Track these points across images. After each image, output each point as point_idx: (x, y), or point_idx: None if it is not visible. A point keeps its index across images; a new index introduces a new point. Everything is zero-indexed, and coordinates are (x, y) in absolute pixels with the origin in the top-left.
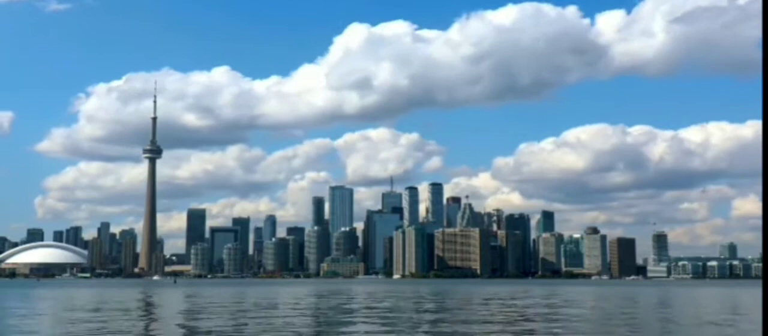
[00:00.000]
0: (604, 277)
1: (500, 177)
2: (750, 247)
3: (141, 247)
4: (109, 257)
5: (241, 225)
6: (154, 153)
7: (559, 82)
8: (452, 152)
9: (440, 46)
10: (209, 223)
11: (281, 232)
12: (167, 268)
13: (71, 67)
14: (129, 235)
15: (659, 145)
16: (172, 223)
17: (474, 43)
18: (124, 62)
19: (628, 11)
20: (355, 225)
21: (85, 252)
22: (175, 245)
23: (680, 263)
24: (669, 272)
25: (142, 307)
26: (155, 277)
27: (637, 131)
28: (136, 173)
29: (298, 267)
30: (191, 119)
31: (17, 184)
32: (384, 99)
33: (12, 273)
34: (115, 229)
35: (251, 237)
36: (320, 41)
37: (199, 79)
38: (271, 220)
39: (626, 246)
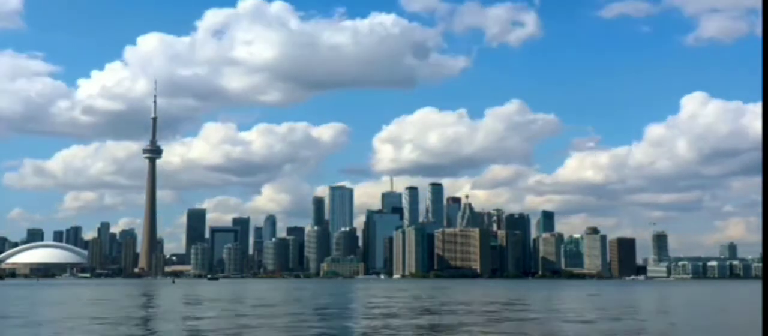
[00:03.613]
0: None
1: None
2: (750, 247)
3: (141, 247)
4: (109, 257)
5: (240, 225)
6: (154, 153)
7: None
8: None
9: None
10: (210, 222)
11: (281, 232)
12: (167, 268)
13: None
14: (129, 235)
15: None
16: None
17: None
18: None
19: None
20: (354, 225)
21: (85, 252)
22: (175, 245)
23: (680, 263)
24: (669, 272)
25: None
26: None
27: None
28: None
29: (298, 267)
30: None
31: None
32: None
33: (12, 273)
34: (115, 229)
35: (251, 237)
36: None
37: None
38: (271, 220)
39: (626, 246)
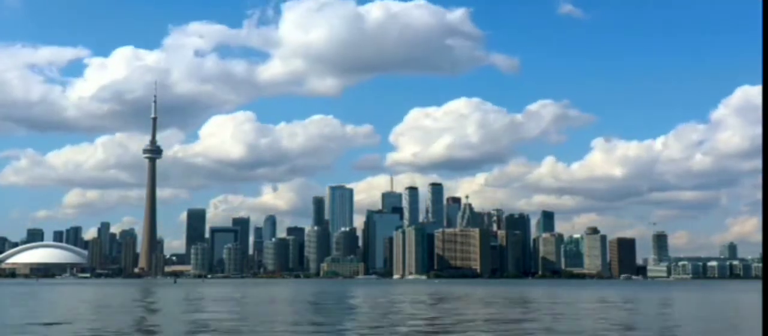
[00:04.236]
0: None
1: None
2: (750, 247)
3: (141, 247)
4: (109, 257)
5: (241, 225)
6: (154, 153)
7: None
8: None
9: None
10: (210, 223)
11: (281, 232)
12: (167, 268)
13: None
14: (129, 235)
15: None
16: None
17: None
18: None
19: None
20: (354, 225)
21: (85, 252)
22: (177, 244)
23: (680, 263)
24: (669, 272)
25: None
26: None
27: None
28: None
29: (298, 267)
30: None
31: None
32: None
33: (12, 273)
34: (115, 229)
35: (251, 237)
36: None
37: None
38: (271, 220)
39: (626, 246)
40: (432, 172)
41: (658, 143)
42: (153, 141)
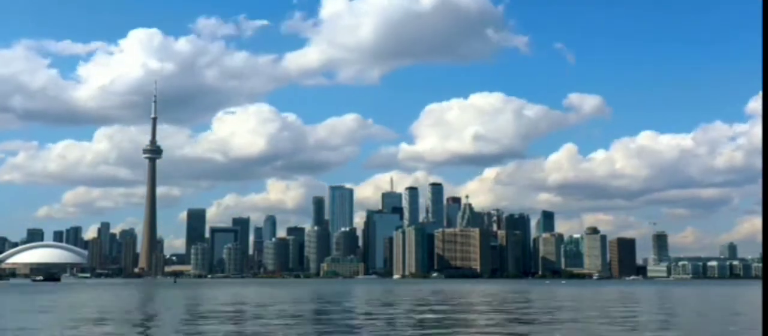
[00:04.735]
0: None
1: None
2: (755, 246)
3: (141, 247)
4: (109, 257)
5: (241, 225)
6: (154, 153)
7: None
8: None
9: None
10: (210, 222)
11: (281, 232)
12: (167, 268)
13: None
14: (129, 235)
15: None
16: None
17: None
18: None
19: None
20: (354, 225)
21: (85, 252)
22: (175, 245)
23: (680, 263)
24: (669, 272)
25: None
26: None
27: None
28: None
29: (298, 267)
30: None
31: None
32: None
33: (12, 273)
34: (115, 229)
35: (251, 237)
36: None
37: None
38: (271, 220)
39: (626, 246)
40: (461, 164)
41: (681, 139)
42: (153, 141)
